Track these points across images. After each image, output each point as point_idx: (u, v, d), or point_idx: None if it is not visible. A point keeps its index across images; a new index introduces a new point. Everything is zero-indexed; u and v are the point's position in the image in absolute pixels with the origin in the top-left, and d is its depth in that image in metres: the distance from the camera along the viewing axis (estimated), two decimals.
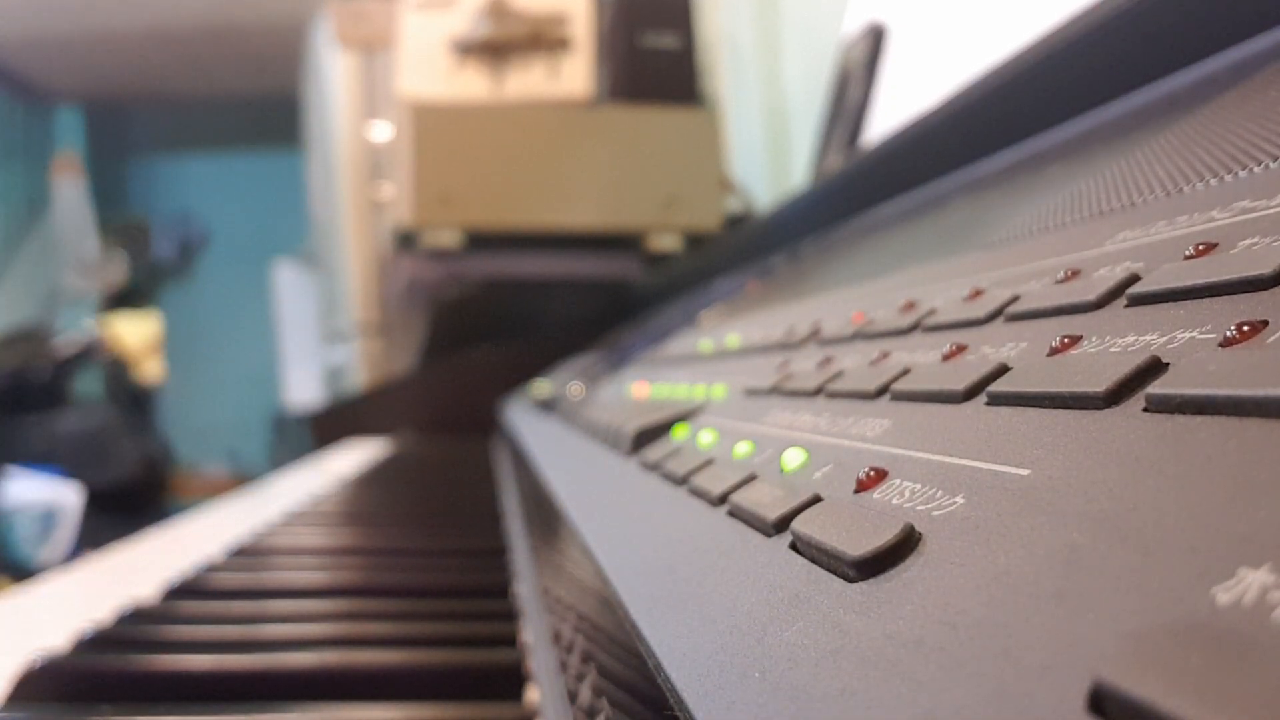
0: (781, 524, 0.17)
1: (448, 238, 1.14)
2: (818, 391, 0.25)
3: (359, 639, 0.33)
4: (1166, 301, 0.15)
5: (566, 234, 1.17)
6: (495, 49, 1.26)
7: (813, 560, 0.15)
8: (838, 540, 0.14)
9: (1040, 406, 0.15)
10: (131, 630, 0.33)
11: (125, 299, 4.05)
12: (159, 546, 0.59)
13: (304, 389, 3.36)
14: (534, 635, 0.31)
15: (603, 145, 1.18)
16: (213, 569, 0.43)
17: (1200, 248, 0.16)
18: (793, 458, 0.20)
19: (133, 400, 3.37)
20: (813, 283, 0.50)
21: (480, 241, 1.16)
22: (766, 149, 1.43)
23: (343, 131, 2.03)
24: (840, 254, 0.55)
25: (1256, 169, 0.19)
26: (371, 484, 0.77)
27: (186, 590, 0.40)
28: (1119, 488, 0.11)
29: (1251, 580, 0.08)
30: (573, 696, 0.24)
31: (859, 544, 0.14)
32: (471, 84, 1.26)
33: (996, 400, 0.16)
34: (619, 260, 1.19)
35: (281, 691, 0.29)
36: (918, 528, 0.13)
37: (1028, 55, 0.39)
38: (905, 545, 0.13)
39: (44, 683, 0.28)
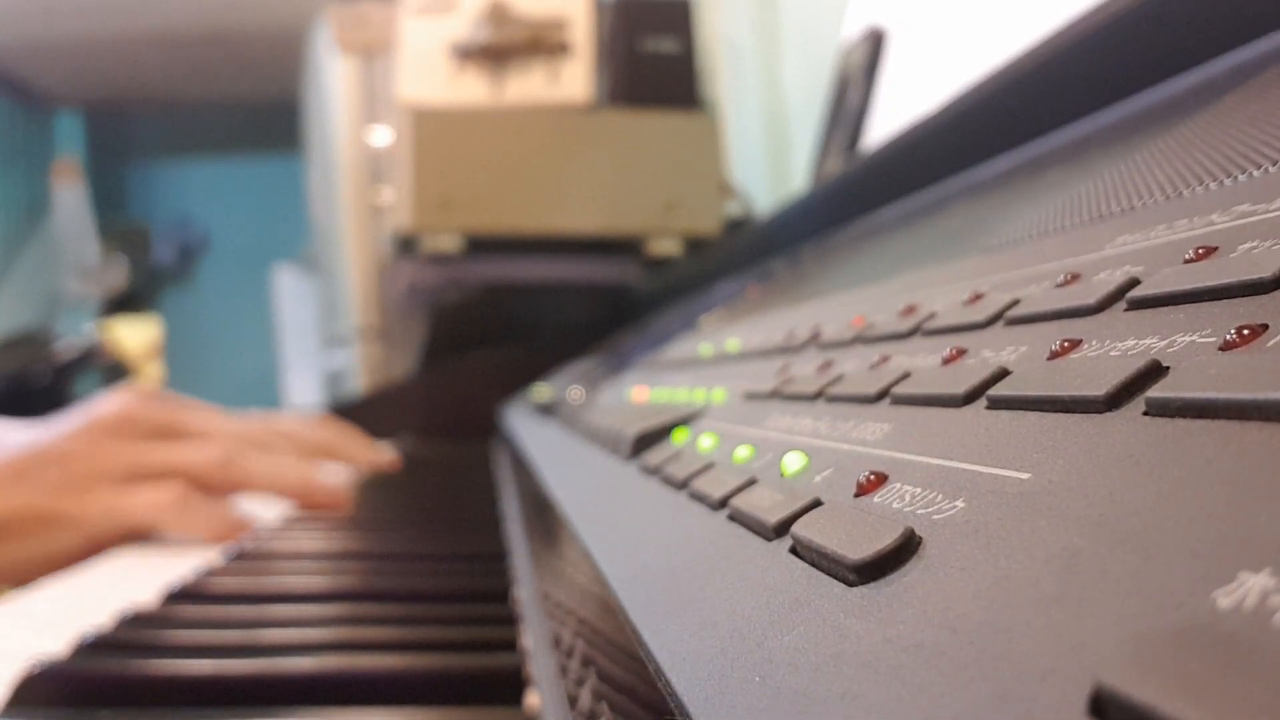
0: (782, 528, 0.17)
1: (447, 242, 1.14)
2: (818, 395, 0.25)
3: (358, 644, 0.33)
4: (1166, 305, 0.15)
5: (566, 238, 1.17)
6: (495, 54, 1.27)
7: (813, 564, 0.15)
8: (838, 544, 0.14)
9: (1040, 410, 0.15)
10: (131, 635, 0.33)
11: (125, 304, 4.05)
12: (158, 551, 0.58)
13: (304, 393, 3.36)
14: (534, 640, 0.31)
15: (602, 149, 1.18)
16: (212, 573, 0.43)
17: (1200, 251, 0.16)
18: (793, 462, 0.20)
19: None
20: (812, 287, 0.50)
21: (480, 246, 1.16)
22: (766, 153, 1.44)
23: (342, 136, 2.03)
24: (840, 258, 0.55)
25: (1256, 173, 0.19)
26: (371, 488, 0.77)
27: (186, 594, 0.40)
28: (1119, 491, 0.11)
29: (1252, 584, 0.08)
30: (573, 701, 0.24)
31: (859, 548, 0.14)
32: (471, 89, 1.26)
33: (996, 404, 0.16)
34: (619, 264, 1.19)
35: (281, 696, 0.29)
36: (918, 531, 0.13)
37: (1027, 59, 0.40)
38: (906, 549, 0.13)
39: (43, 688, 0.28)
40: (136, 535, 0.57)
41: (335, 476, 0.70)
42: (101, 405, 0.61)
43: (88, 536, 0.55)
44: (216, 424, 0.63)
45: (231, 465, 0.59)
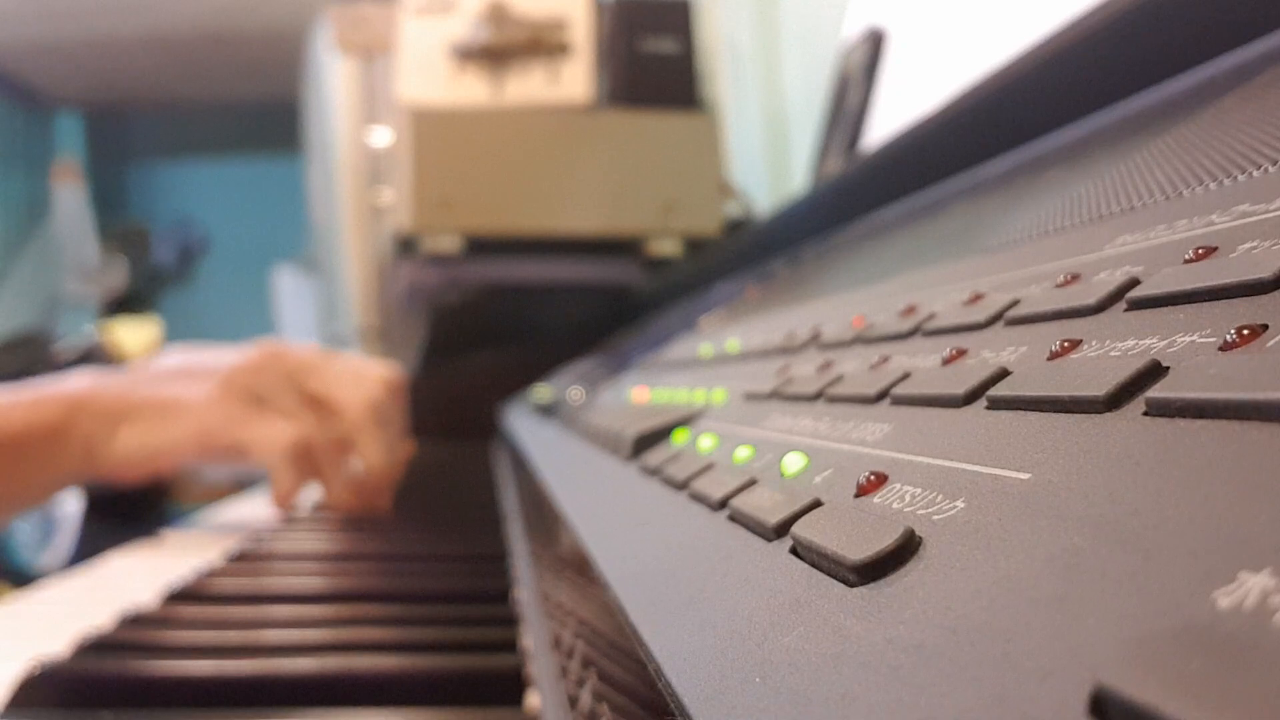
0: (782, 528, 0.17)
1: (447, 243, 1.14)
2: (818, 396, 0.25)
3: (359, 644, 0.33)
4: (1166, 305, 0.15)
5: (566, 239, 1.17)
6: (495, 54, 1.27)
7: (813, 565, 0.15)
8: (838, 544, 0.14)
9: (1040, 410, 0.15)
10: (131, 635, 0.33)
11: (125, 305, 4.05)
12: (158, 552, 0.59)
13: None
14: (534, 640, 0.31)
15: (602, 150, 1.18)
16: (212, 574, 0.43)
17: (1200, 251, 0.16)
18: (793, 462, 0.20)
19: None
20: (812, 287, 0.50)
21: (480, 246, 1.16)
22: (766, 153, 1.44)
23: (342, 137, 2.03)
24: (840, 258, 0.55)
25: (1256, 173, 0.19)
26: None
27: (186, 595, 0.40)
28: (1119, 491, 0.11)
29: (1252, 584, 0.08)
30: (573, 702, 0.24)
31: (859, 548, 0.14)
32: (471, 89, 1.26)
33: (997, 404, 0.16)
34: (619, 265, 1.19)
35: (281, 697, 0.29)
36: (918, 532, 0.13)
37: (1027, 59, 0.40)
38: (906, 549, 0.13)
39: (44, 689, 0.28)
40: (235, 453, 0.63)
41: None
42: (264, 341, 0.69)
43: (201, 429, 0.62)
44: (350, 398, 0.66)
45: (328, 458, 0.64)
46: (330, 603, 0.40)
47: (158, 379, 0.65)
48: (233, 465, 0.66)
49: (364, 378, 0.67)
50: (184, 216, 4.41)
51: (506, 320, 1.20)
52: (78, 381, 0.64)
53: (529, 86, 1.26)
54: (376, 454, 0.65)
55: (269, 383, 0.64)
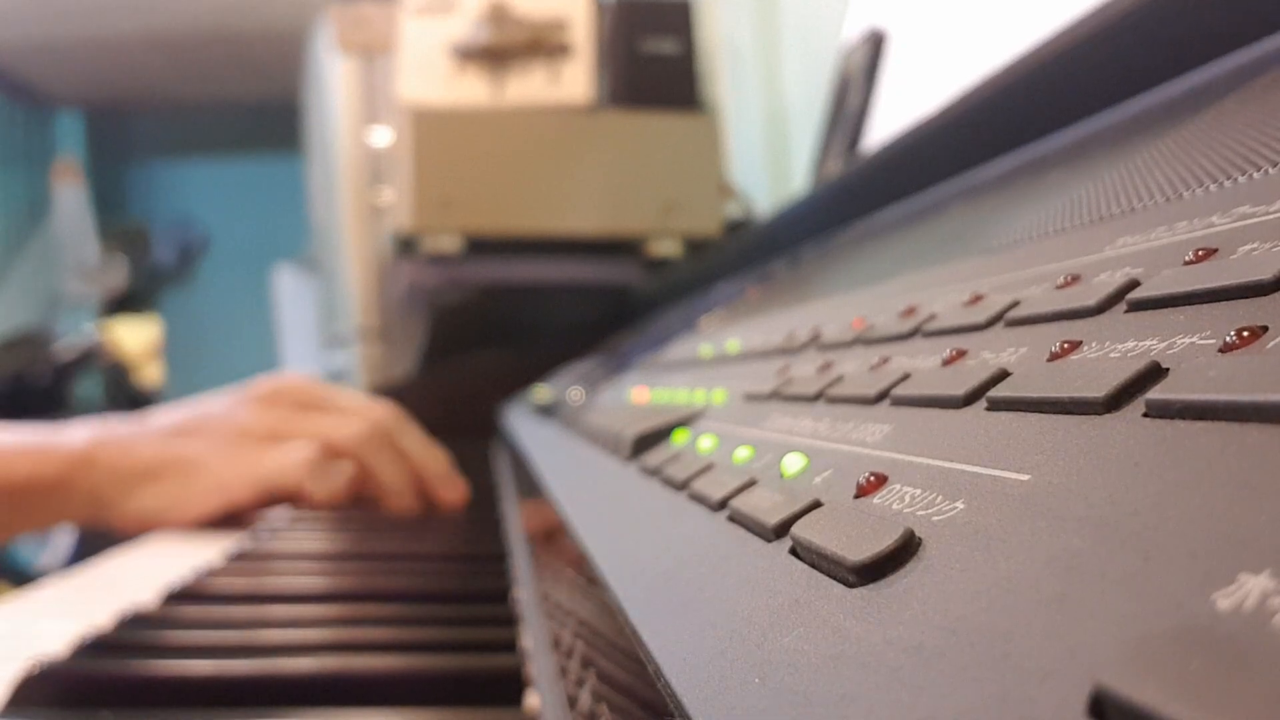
0: (781, 529, 0.17)
1: (448, 243, 1.14)
2: (818, 396, 0.25)
3: (358, 644, 0.33)
4: (1166, 307, 0.15)
5: (566, 239, 1.17)
6: (495, 54, 1.27)
7: (813, 565, 0.15)
8: (838, 545, 0.14)
9: (1040, 412, 0.15)
10: (131, 635, 0.33)
11: (125, 304, 4.05)
12: (158, 552, 0.59)
13: None
14: (533, 640, 0.31)
15: (603, 150, 1.18)
16: (212, 573, 0.43)
17: (1200, 253, 0.16)
18: (793, 463, 0.20)
19: (133, 405, 3.36)
20: (813, 288, 0.50)
21: (480, 246, 1.16)
22: (766, 154, 1.44)
23: (343, 136, 2.03)
24: (840, 259, 0.55)
25: (1256, 174, 0.19)
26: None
27: (186, 595, 0.40)
28: (1119, 493, 0.11)
29: (1252, 586, 0.08)
30: (572, 702, 0.24)
31: (859, 549, 0.14)
32: (471, 89, 1.26)
33: (996, 405, 0.16)
34: (619, 265, 1.19)
35: (281, 697, 0.29)
36: (918, 533, 0.13)
37: (1027, 61, 0.40)
38: (905, 550, 0.13)
39: (43, 688, 0.28)
40: (274, 494, 0.63)
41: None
42: (259, 382, 0.69)
43: (222, 485, 0.62)
44: (360, 406, 0.69)
45: (363, 446, 0.65)
46: (330, 603, 0.40)
47: (166, 435, 0.65)
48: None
49: (361, 398, 0.69)
50: (184, 216, 4.41)
51: (506, 320, 1.20)
52: (81, 432, 0.64)
53: (529, 87, 1.26)
54: (388, 464, 0.66)
55: (272, 414, 0.66)
